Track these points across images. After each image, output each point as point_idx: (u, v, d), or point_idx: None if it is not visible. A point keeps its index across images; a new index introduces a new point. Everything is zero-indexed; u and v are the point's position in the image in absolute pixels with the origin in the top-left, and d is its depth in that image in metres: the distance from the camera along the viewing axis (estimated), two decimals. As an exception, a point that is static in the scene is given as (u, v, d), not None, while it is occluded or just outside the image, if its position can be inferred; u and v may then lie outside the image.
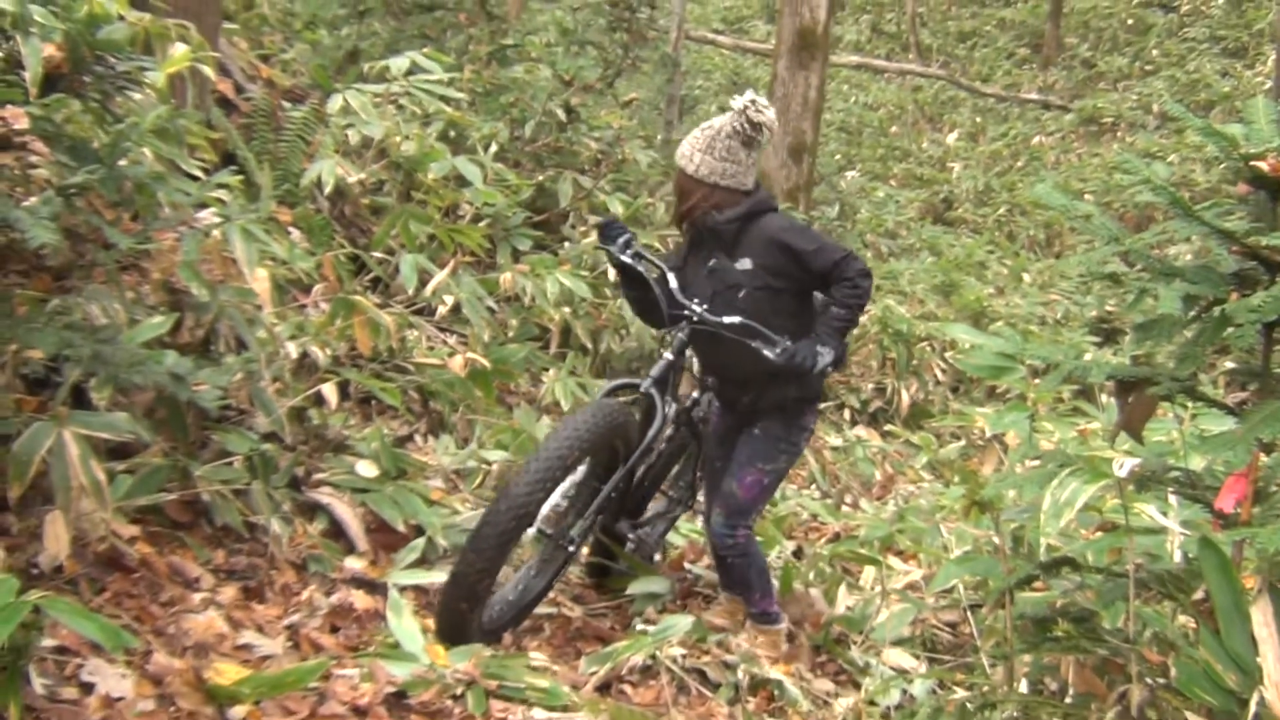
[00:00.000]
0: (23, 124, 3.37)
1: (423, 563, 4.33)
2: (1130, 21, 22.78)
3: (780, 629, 4.55)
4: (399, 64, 7.07)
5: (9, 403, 3.41)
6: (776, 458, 4.44)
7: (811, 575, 5.19)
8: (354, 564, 4.18)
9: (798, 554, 5.76)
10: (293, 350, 4.80)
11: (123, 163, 3.55)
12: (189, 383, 3.42)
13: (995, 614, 3.66)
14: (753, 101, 4.20)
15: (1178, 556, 3.28)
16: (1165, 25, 22.23)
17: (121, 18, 4.41)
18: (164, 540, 3.75)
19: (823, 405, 9.18)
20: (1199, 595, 2.80)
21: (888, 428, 9.02)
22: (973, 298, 11.03)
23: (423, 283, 6.23)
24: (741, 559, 4.46)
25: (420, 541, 4.35)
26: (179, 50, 4.88)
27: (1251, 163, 2.66)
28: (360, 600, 3.98)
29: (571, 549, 4.28)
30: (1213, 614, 2.59)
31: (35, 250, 3.14)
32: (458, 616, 3.80)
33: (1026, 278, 13.07)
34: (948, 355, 9.60)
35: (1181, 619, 3.08)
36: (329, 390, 4.73)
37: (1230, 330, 2.56)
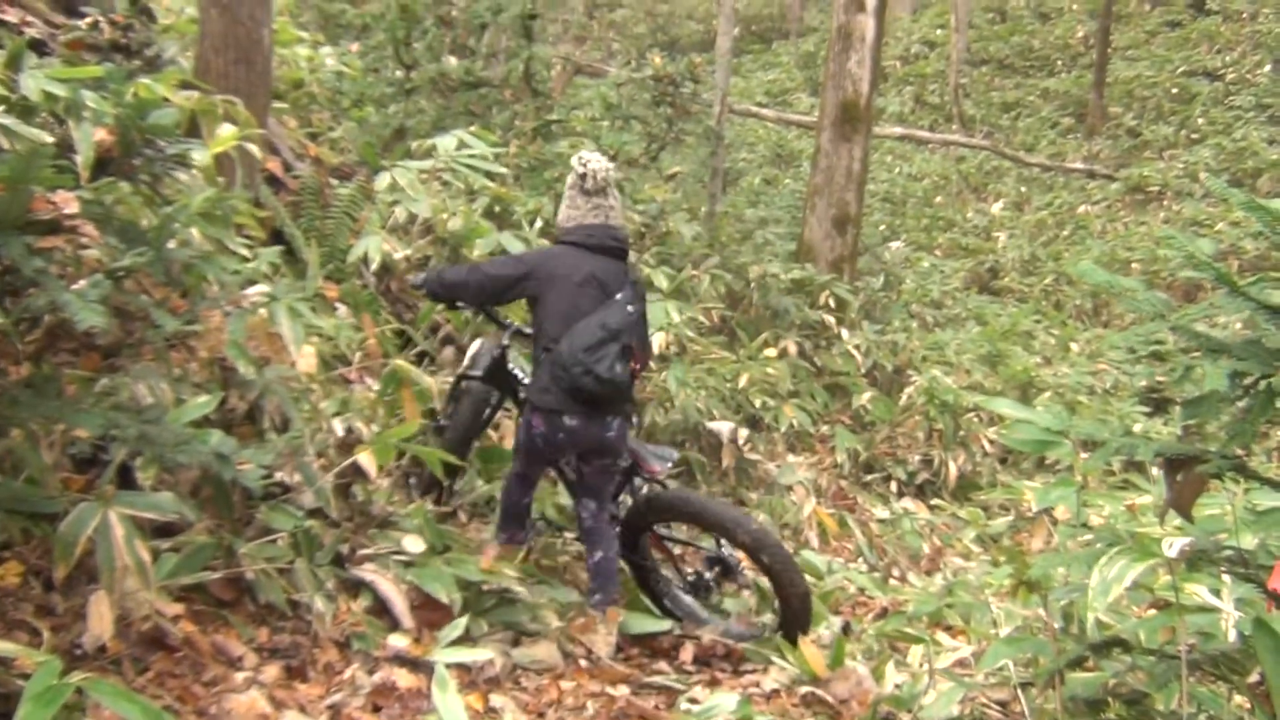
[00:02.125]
0: (73, 208, 3.43)
1: (467, 639, 4.31)
2: (1175, 90, 22.71)
3: (513, 548, 5.08)
4: (445, 142, 7.15)
5: (56, 482, 3.45)
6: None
7: (859, 652, 5.13)
8: (398, 641, 4.17)
9: (846, 630, 5.70)
10: (338, 427, 4.83)
11: (171, 244, 3.61)
12: (233, 462, 3.44)
13: (1046, 694, 3.59)
14: (579, 156, 5.05)
15: (1232, 636, 3.21)
16: (1210, 94, 22.14)
17: (167, 100, 4.51)
18: (208, 619, 3.76)
19: (869, 477, 9.14)
20: (1254, 677, 2.73)
21: (934, 501, 8.93)
22: (1020, 368, 10.94)
23: (461, 351, 6.33)
24: None
25: (463, 619, 4.33)
26: (226, 130, 4.97)
27: (1297, 238, 2.63)
28: (403, 679, 3.96)
29: None
30: (1269, 697, 2.53)
31: (84, 330, 3.18)
32: None
33: (1074, 347, 12.95)
34: (994, 429, 9.50)
35: (1237, 700, 3.01)
36: (367, 461, 4.72)
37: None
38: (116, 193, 3.76)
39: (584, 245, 4.95)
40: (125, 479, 3.69)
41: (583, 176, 4.96)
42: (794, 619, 5.09)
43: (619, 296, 4.88)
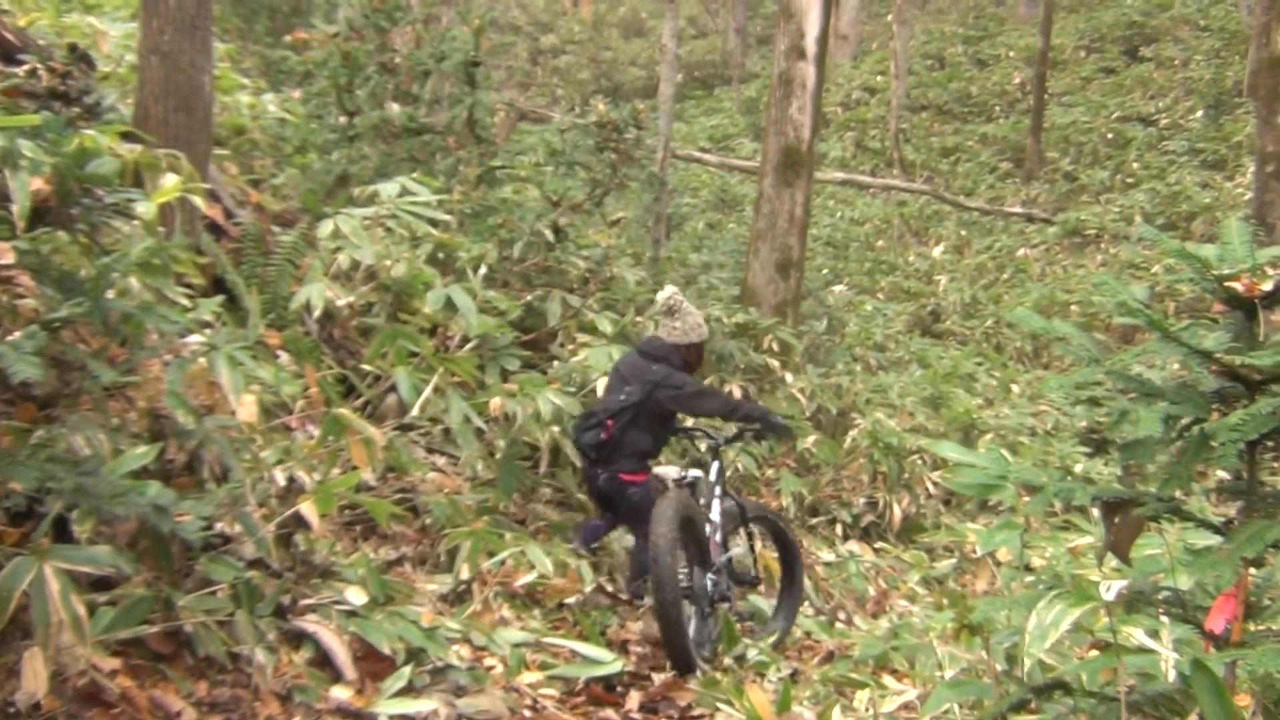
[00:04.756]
0: (9, 258, 3.40)
1: (410, 690, 4.27)
2: (1110, 136, 23.10)
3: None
4: (388, 189, 7.13)
5: (-10, 536, 3.39)
6: None
7: (806, 697, 5.13)
8: (340, 693, 4.12)
9: (794, 676, 5.69)
10: (279, 476, 4.78)
11: (110, 294, 3.57)
12: (172, 513, 3.40)
13: (990, 737, 3.60)
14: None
15: (1172, 677, 3.24)
16: (1145, 139, 22.53)
17: (113, 150, 4.48)
18: (145, 673, 3.70)
19: (814, 520, 9.17)
20: (1194, 718, 2.76)
21: (879, 543, 8.97)
22: (962, 410, 11.02)
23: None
24: None
25: (407, 669, 4.30)
26: (169, 180, 4.94)
27: (1226, 283, 2.68)
28: (345, 731, 3.91)
29: None
30: (1208, 737, 2.55)
31: (20, 381, 3.14)
32: None
33: (1015, 389, 13.08)
34: (938, 471, 9.56)
35: (1178, 740, 3.03)
36: (308, 510, 4.67)
37: (1213, 449, 2.56)
38: (54, 242, 3.72)
39: (637, 347, 6.85)
40: (61, 532, 3.63)
41: (659, 304, 6.82)
42: None
43: (627, 388, 6.51)
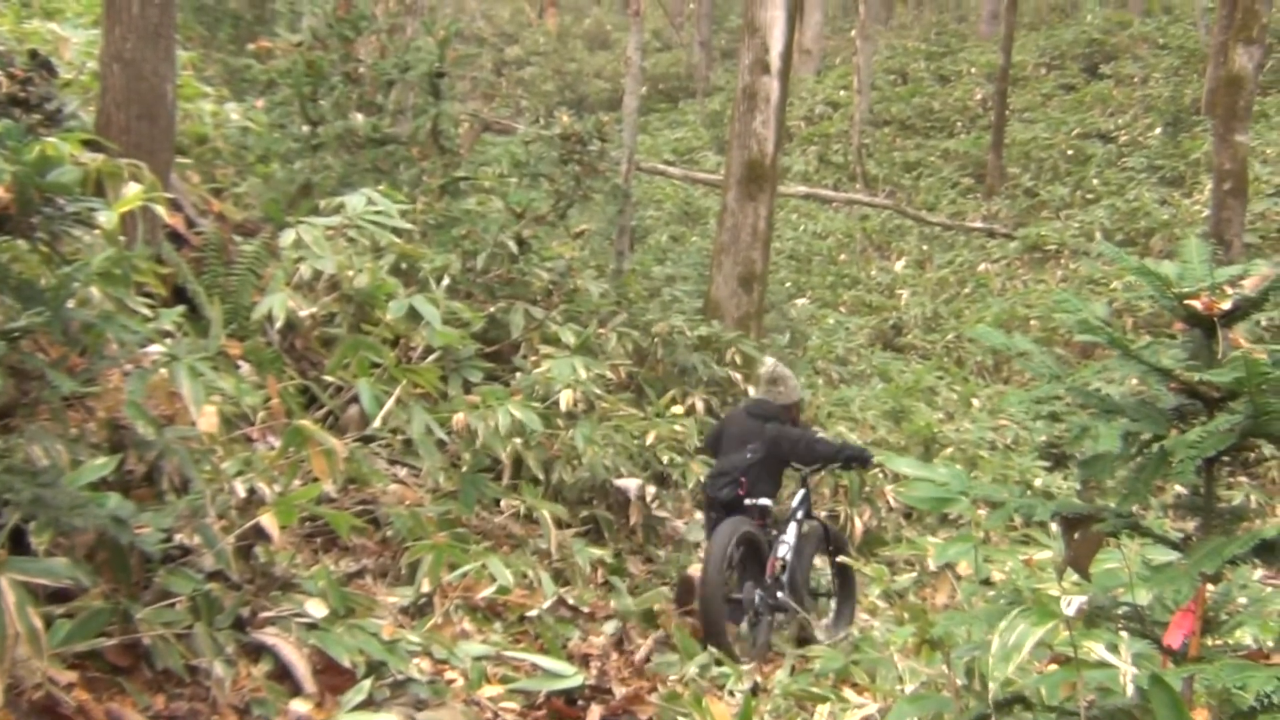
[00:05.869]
0: (-33, 267, 3.36)
1: (370, 704, 4.24)
2: (1070, 152, 23.30)
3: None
4: (351, 200, 7.09)
5: (-55, 548, 3.35)
6: None
7: (767, 711, 5.13)
8: (299, 707, 4.09)
9: (755, 690, 5.70)
10: (240, 488, 4.75)
11: (70, 303, 3.54)
12: (130, 526, 3.37)
13: (950, 751, 3.61)
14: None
15: (1131, 691, 3.26)
16: (1104, 155, 22.73)
17: (75, 158, 4.44)
18: (102, 686, 3.66)
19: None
20: (1151, 732, 2.77)
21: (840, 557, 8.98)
22: (923, 424, 11.09)
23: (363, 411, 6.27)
24: None
25: (367, 682, 4.26)
26: (131, 189, 4.90)
27: (1185, 301, 2.71)
28: (304, 745, 3.88)
29: None
30: (1165, 752, 2.56)
31: (-23, 391, 3.11)
32: None
33: (976, 403, 13.17)
34: (898, 484, 9.60)
35: (1136, 755, 3.05)
36: (269, 522, 4.64)
37: (1171, 465, 2.58)
38: (13, 251, 3.69)
39: (746, 409, 7.89)
40: (18, 543, 3.59)
41: (763, 374, 7.96)
42: None
43: (749, 446, 7.41)
